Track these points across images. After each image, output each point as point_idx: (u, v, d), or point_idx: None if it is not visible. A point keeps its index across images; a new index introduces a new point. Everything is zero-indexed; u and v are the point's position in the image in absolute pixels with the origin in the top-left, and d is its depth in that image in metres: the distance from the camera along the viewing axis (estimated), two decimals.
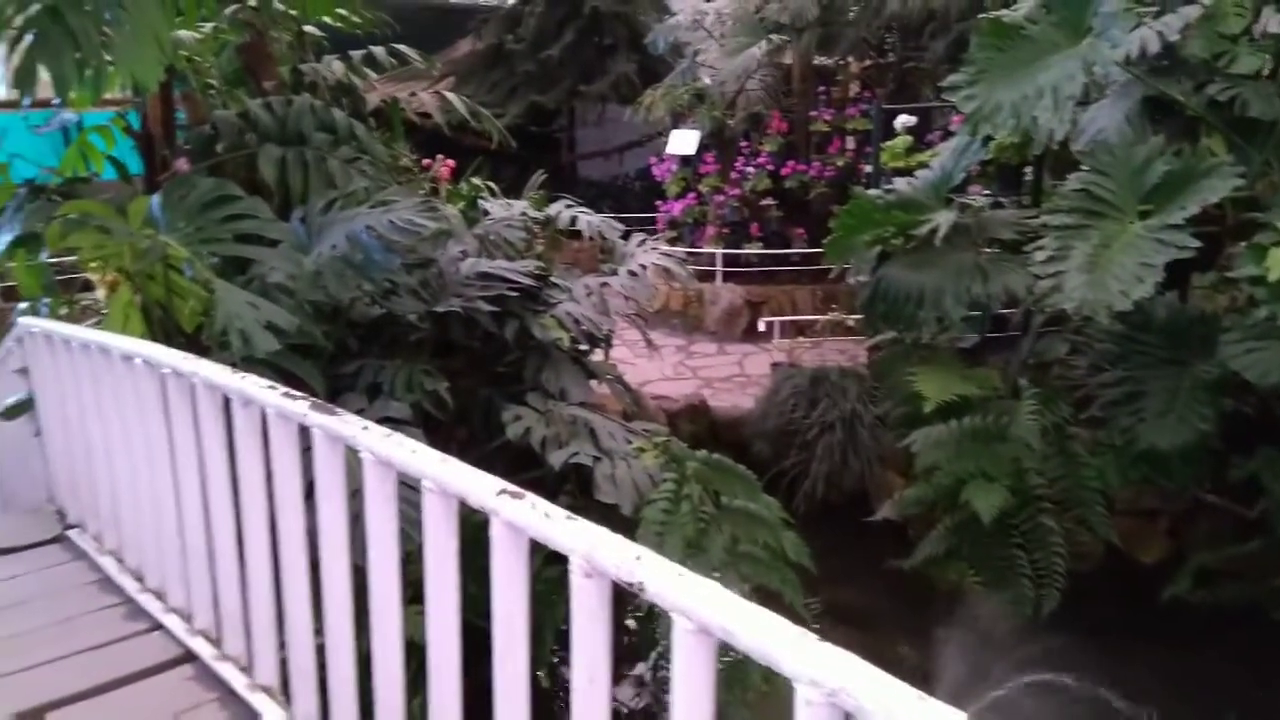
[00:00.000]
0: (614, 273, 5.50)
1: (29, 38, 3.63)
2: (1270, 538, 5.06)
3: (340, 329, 4.35)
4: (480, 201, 5.93)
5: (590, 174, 16.81)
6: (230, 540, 2.58)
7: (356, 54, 5.71)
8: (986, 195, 7.65)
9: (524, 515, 1.59)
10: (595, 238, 5.80)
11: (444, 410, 4.25)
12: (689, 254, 9.86)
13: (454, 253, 5.04)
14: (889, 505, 5.99)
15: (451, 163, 6.56)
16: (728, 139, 11.58)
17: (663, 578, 1.35)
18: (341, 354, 4.33)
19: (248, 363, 3.29)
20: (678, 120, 12.00)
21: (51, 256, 4.38)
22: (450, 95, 6.06)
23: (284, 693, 2.50)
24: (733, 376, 9.65)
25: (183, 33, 4.90)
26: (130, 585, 3.15)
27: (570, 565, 1.48)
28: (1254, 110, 4.90)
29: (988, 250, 5.95)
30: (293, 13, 5.43)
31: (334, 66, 5.61)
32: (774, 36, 10.70)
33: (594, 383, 5.29)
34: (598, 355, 5.55)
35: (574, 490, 4.27)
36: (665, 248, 6.03)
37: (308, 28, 5.67)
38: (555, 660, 4.30)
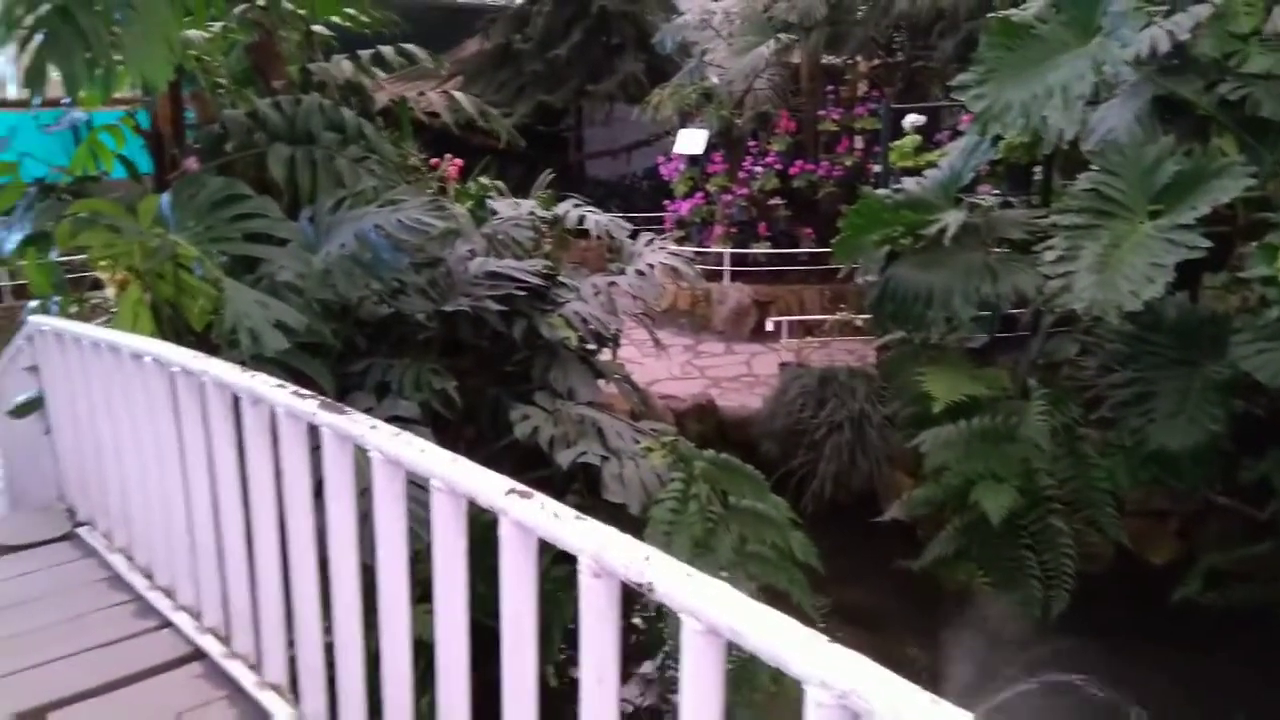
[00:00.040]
0: (622, 272, 5.50)
1: (39, 37, 3.64)
2: None
3: (349, 328, 4.36)
4: (488, 201, 5.93)
5: (598, 173, 16.81)
6: (239, 538, 2.58)
7: (365, 53, 5.71)
8: (995, 195, 7.62)
9: (533, 515, 1.58)
10: (603, 237, 5.80)
11: (452, 409, 4.25)
12: (697, 253, 9.84)
13: (462, 252, 5.04)
14: (897, 505, 5.98)
15: (459, 162, 6.57)
16: (736, 138, 11.57)
17: (672, 578, 1.35)
18: (350, 353, 4.34)
19: (257, 361, 3.29)
20: (685, 119, 11.99)
21: (61, 255, 4.40)
22: (458, 94, 6.07)
23: (292, 691, 2.50)
24: (740, 376, 9.64)
25: (192, 32, 4.91)
26: (139, 583, 3.16)
27: (579, 565, 1.48)
28: (1265, 110, 4.87)
29: (997, 250, 5.93)
30: (301, 12, 5.43)
31: (343, 66, 5.62)
32: (782, 35, 10.69)
33: (602, 382, 5.30)
34: (605, 354, 5.55)
35: (582, 489, 4.27)
36: (673, 247, 6.03)
37: (316, 27, 5.67)
38: (563, 659, 4.30)
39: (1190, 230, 4.50)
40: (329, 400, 2.20)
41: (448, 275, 4.83)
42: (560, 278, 5.26)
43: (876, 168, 10.37)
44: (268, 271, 3.92)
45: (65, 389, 3.63)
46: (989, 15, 6.58)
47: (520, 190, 6.53)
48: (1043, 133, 5.16)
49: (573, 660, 3.79)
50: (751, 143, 11.62)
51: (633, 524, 3.76)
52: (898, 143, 9.44)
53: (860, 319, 8.75)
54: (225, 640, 2.75)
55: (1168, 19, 4.89)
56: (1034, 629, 5.26)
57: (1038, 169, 7.63)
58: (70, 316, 4.27)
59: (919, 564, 5.59)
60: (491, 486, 1.68)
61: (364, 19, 5.53)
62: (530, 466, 4.19)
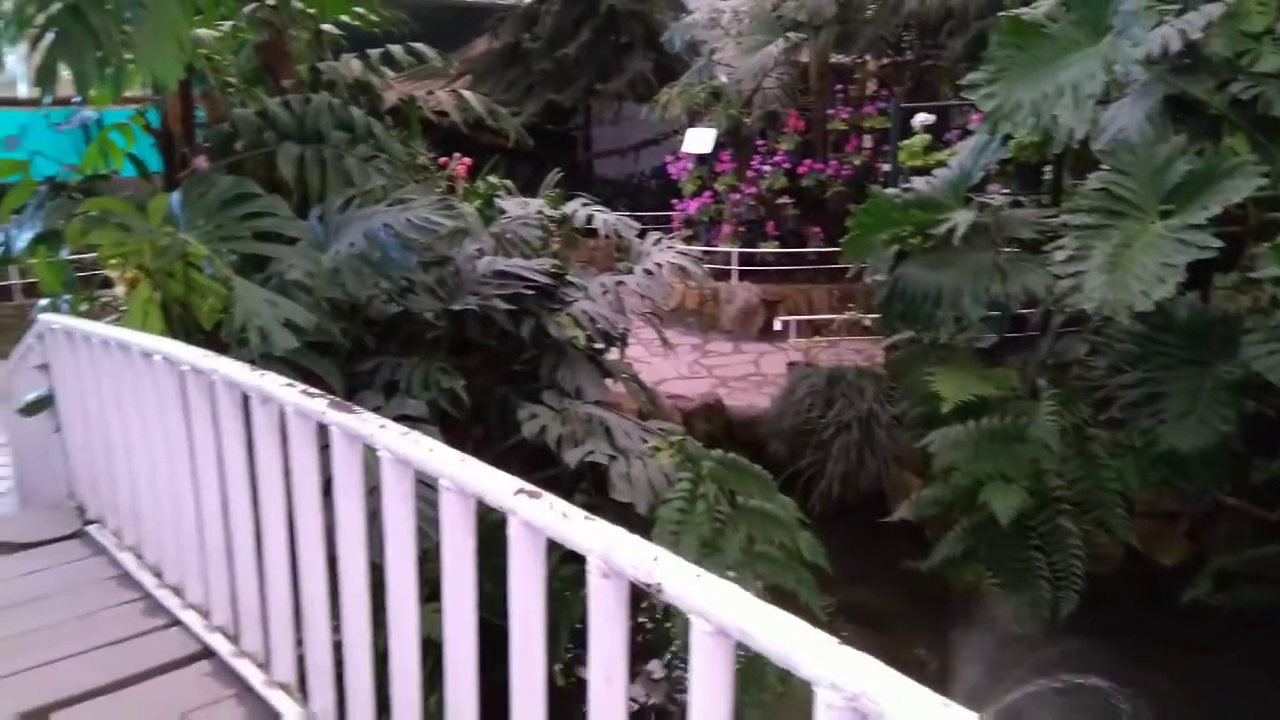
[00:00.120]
0: (630, 271, 5.50)
1: (50, 36, 3.66)
2: None
3: (358, 326, 4.36)
4: (497, 200, 5.94)
5: (606, 172, 16.82)
6: (248, 537, 2.59)
7: (374, 52, 5.73)
8: (1005, 194, 7.60)
9: (542, 515, 1.58)
10: (611, 236, 5.80)
11: (460, 408, 4.26)
12: (705, 253, 9.85)
13: (470, 251, 5.05)
14: (906, 506, 5.96)
15: (468, 161, 6.58)
16: (744, 137, 11.56)
17: (681, 579, 1.35)
18: (359, 351, 4.35)
19: (266, 360, 3.30)
20: (694, 118, 11.99)
21: (72, 253, 4.41)
22: (467, 93, 6.07)
23: (301, 689, 2.50)
24: (748, 375, 9.64)
25: (202, 31, 4.93)
26: (149, 581, 3.16)
27: (588, 565, 1.48)
28: (1277, 109, 4.84)
29: (1007, 250, 5.90)
30: (311, 11, 5.45)
31: (352, 65, 5.63)
32: (791, 34, 10.67)
33: (609, 381, 5.29)
34: (613, 354, 5.55)
35: (589, 489, 4.27)
36: (681, 246, 6.02)
37: (326, 26, 5.68)
38: (570, 658, 4.30)
39: (1201, 230, 4.47)
40: (338, 399, 2.20)
41: (456, 274, 4.83)
42: (568, 277, 5.26)
43: (885, 167, 10.35)
44: (277, 270, 3.93)
45: (75, 387, 3.64)
46: (999, 14, 6.56)
47: (528, 189, 6.54)
48: (1053, 132, 5.14)
49: (580, 659, 3.81)
50: (760, 142, 11.60)
51: (640, 523, 3.76)
52: (907, 142, 9.41)
53: (869, 318, 8.74)
54: (234, 639, 2.75)
55: (1179, 18, 4.87)
56: (1043, 630, 5.23)
57: (1048, 168, 7.61)
58: (80, 315, 4.28)
59: (927, 564, 5.57)
60: (500, 486, 1.68)
61: (373, 18, 5.54)
62: (538, 465, 4.19)
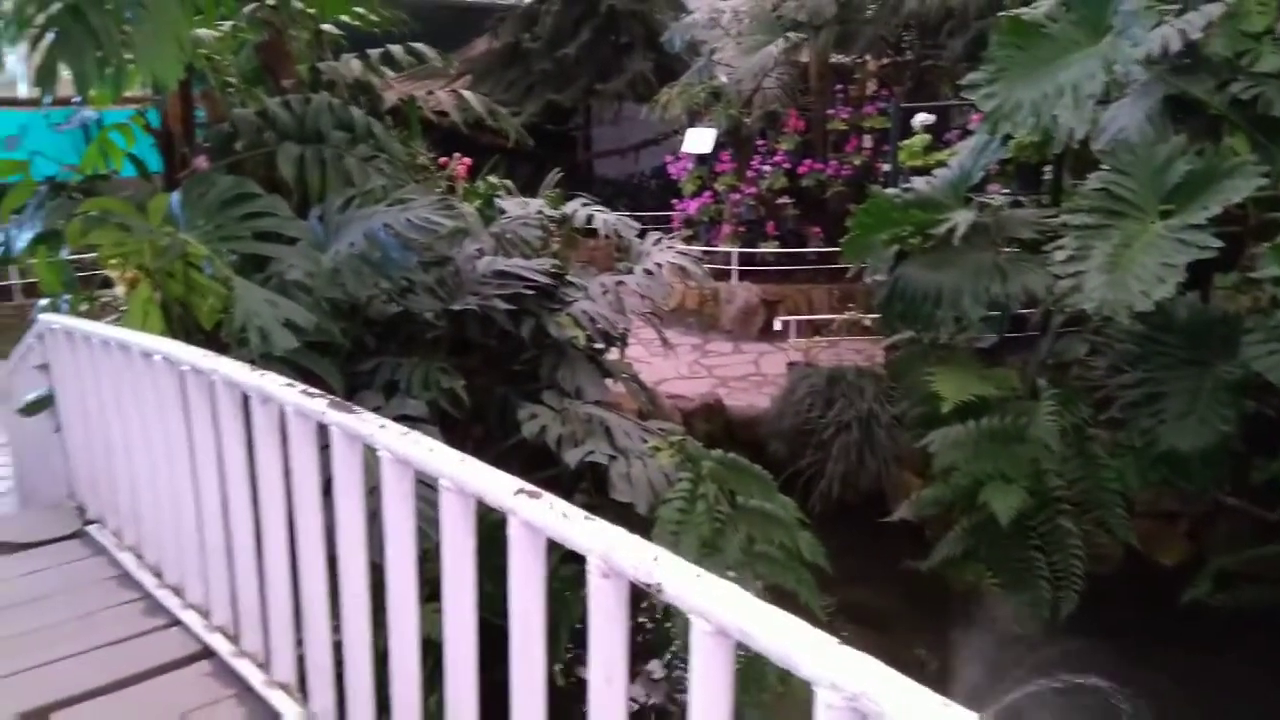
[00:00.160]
0: (630, 271, 5.50)
1: (50, 36, 3.66)
2: None
3: (358, 326, 4.36)
4: (497, 200, 5.94)
5: (606, 172, 16.82)
6: (248, 537, 2.59)
7: (374, 52, 5.73)
8: (1005, 194, 7.60)
9: (542, 515, 1.58)
10: (611, 236, 5.80)
11: (460, 408, 4.26)
12: (705, 253, 9.85)
13: (470, 251, 5.05)
14: (906, 506, 5.96)
15: (468, 161, 6.58)
16: (744, 137, 11.56)
17: (681, 579, 1.35)
18: (359, 351, 4.35)
19: (266, 360, 3.30)
20: (694, 118, 11.99)
21: (72, 253, 4.41)
22: (467, 93, 6.07)
23: (301, 689, 2.50)
24: (748, 375, 9.64)
25: (202, 31, 4.93)
26: (149, 581, 3.16)
27: (588, 565, 1.48)
28: (1277, 109, 4.84)
29: (1007, 250, 5.91)
30: (311, 11, 5.45)
31: (352, 65, 5.63)
32: (791, 34, 10.67)
33: (609, 381, 5.29)
34: (613, 354, 5.55)
35: (589, 489, 4.27)
36: (681, 246, 6.02)
37: (326, 26, 5.68)
38: (570, 658, 4.30)
39: (1201, 230, 4.47)
40: (338, 399, 2.20)
41: (456, 274, 4.83)
42: (568, 277, 5.26)
43: (885, 167, 10.35)
44: (277, 270, 3.93)
45: (75, 387, 3.64)
46: (999, 14, 6.56)
47: (528, 189, 6.54)
48: (1053, 132, 5.14)
49: (580, 659, 3.81)
50: (760, 142, 11.60)
51: (640, 523, 3.76)
52: (907, 142, 9.41)
53: (868, 318, 8.74)
54: (234, 639, 2.75)
55: (1179, 18, 4.87)
56: (1043, 630, 5.23)
57: (1048, 168, 7.60)
58: (80, 315, 4.28)
59: (927, 564, 5.58)
60: (500, 486, 1.68)
61: (373, 18, 5.54)
62: (538, 465, 4.19)
